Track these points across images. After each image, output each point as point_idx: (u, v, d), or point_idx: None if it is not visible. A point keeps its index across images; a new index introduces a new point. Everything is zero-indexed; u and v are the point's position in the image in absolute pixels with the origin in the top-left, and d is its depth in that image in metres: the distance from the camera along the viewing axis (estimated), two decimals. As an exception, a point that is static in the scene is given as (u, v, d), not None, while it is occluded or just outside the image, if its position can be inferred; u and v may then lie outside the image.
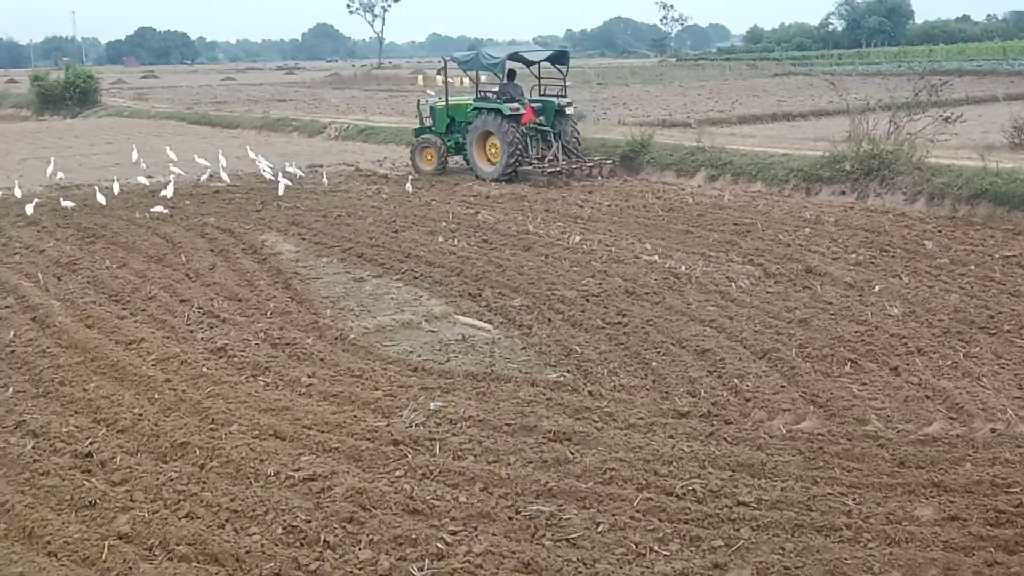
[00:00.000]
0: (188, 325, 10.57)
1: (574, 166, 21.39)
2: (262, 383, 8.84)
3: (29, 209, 16.69)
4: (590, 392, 8.56)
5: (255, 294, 11.85)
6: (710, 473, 6.87)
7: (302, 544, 5.95)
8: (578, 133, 22.11)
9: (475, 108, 21.44)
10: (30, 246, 14.69)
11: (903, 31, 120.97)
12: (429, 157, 22.44)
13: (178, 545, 5.89)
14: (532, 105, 21.20)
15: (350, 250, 14.37)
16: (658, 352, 9.56)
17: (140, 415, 7.89)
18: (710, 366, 9.15)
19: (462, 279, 12.52)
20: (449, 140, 22.58)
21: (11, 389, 8.65)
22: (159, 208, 16.74)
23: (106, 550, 5.80)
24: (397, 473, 6.92)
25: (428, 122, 23.34)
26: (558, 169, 20.89)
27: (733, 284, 12.08)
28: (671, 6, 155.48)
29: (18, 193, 18.43)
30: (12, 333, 10.18)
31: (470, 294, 11.89)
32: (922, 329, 10.24)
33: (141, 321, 10.72)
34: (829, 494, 6.56)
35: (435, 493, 6.57)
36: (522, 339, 10.27)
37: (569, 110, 21.56)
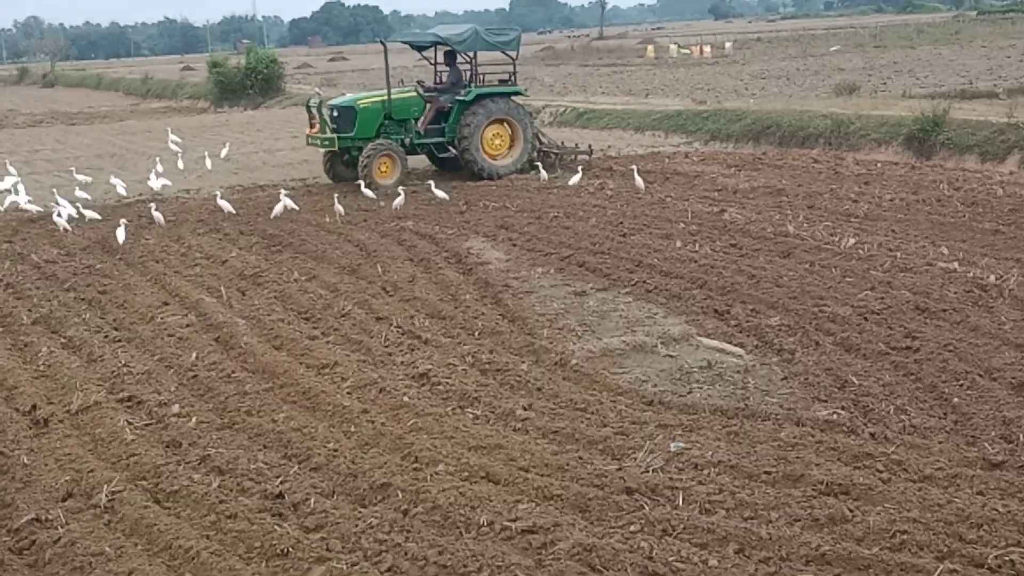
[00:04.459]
0: (386, 347, 11.03)
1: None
2: (471, 416, 9.10)
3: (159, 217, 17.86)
4: (872, 434, 8.31)
5: (461, 311, 12.23)
6: (1033, 541, 6.54)
7: (522, 609, 6.09)
8: None
9: (478, 95, 21.61)
10: (211, 256, 15.75)
11: None
12: (384, 168, 20.87)
13: (380, 604, 6.16)
14: None
15: (569, 258, 14.59)
16: (961, 385, 9.18)
17: (335, 451, 8.30)
18: (1030, 404, 8.71)
19: (705, 292, 12.46)
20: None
21: (194, 419, 9.28)
22: (339, 208, 17.55)
23: (300, 606, 6.13)
24: (632, 528, 6.95)
25: (331, 129, 21.38)
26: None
27: (1060, 298, 11.45)
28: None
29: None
30: (194, 355, 10.94)
31: (716, 311, 11.82)
32: None
33: (334, 342, 11.28)
34: None
35: (679, 554, 6.55)
36: (782, 367, 10.11)
37: None
